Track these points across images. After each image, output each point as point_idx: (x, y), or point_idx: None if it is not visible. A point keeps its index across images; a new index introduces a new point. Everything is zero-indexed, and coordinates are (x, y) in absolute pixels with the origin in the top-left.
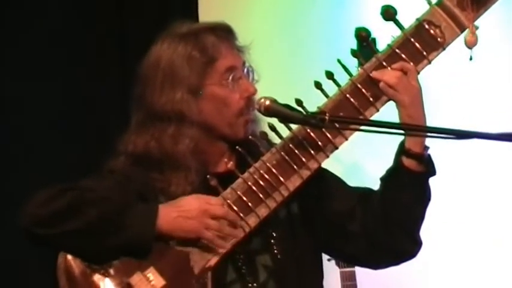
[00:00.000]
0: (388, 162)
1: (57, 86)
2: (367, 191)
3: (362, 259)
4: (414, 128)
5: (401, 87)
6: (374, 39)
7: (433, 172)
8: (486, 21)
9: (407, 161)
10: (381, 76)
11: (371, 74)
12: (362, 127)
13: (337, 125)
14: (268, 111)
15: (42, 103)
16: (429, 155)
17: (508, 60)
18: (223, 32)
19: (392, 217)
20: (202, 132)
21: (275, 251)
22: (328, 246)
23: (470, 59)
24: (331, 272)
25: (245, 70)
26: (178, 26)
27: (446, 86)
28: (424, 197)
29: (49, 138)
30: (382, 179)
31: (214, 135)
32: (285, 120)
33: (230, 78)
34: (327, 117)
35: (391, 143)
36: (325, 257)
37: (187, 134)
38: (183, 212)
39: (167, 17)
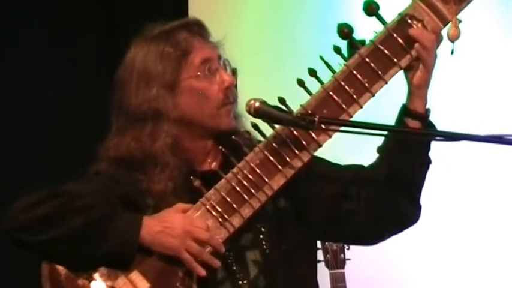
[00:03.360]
0: (368, 157)
1: (48, 89)
2: (360, 166)
3: (364, 233)
4: (404, 130)
5: (433, 52)
6: (363, 41)
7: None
8: (484, 21)
9: (412, 123)
10: (420, 37)
11: (410, 33)
12: (351, 129)
13: (326, 127)
14: (258, 113)
15: (33, 102)
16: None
17: (503, 60)
18: (195, 27)
19: (397, 182)
20: (182, 128)
21: (264, 246)
22: (328, 231)
23: (452, 53)
24: (321, 273)
25: (221, 61)
26: (149, 29)
27: (440, 87)
28: (427, 159)
29: (42, 139)
30: (383, 148)
31: (196, 131)
32: (275, 122)
33: (206, 69)
34: (316, 119)
35: (371, 139)
36: None
37: (164, 130)
38: (166, 228)
39: (158, 19)
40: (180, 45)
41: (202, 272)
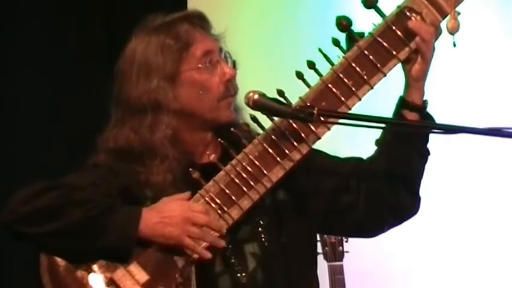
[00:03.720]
0: (367, 150)
1: (47, 85)
2: (359, 159)
3: (364, 225)
4: (402, 123)
5: (431, 45)
6: (362, 34)
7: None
8: (483, 13)
9: (410, 115)
10: (418, 30)
11: (409, 26)
12: (349, 121)
13: (325, 119)
14: (257, 105)
15: (33, 102)
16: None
17: (502, 53)
18: (197, 19)
19: (396, 174)
20: (182, 120)
21: (262, 239)
22: (327, 223)
23: (454, 45)
24: (319, 266)
25: (222, 55)
26: (150, 20)
27: (439, 80)
28: (425, 151)
29: (42, 139)
30: (381, 140)
31: (196, 123)
32: (274, 114)
33: (207, 61)
34: (315, 112)
35: (370, 132)
36: None
37: (163, 121)
38: (165, 218)
39: (157, 14)
40: (181, 37)
41: (208, 255)
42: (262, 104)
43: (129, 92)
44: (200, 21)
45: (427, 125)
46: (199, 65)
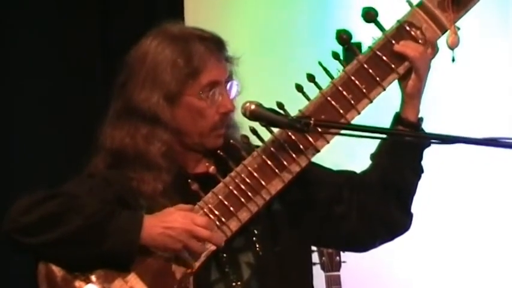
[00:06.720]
0: (364, 163)
1: (40, 86)
2: (352, 172)
3: (356, 238)
4: (399, 133)
5: (423, 61)
6: (359, 44)
7: (428, 143)
8: (481, 23)
9: (404, 131)
10: (404, 51)
11: (395, 48)
12: (346, 131)
13: (323, 130)
14: (253, 116)
15: (32, 102)
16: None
17: (499, 63)
18: (214, 44)
19: (388, 188)
20: (176, 138)
21: (257, 249)
22: (321, 235)
23: (453, 60)
24: (317, 276)
25: (229, 84)
26: (171, 25)
27: (440, 89)
28: (419, 168)
29: (42, 139)
30: (376, 154)
31: (187, 142)
32: (270, 124)
33: (211, 92)
34: (311, 122)
35: (369, 144)
36: None
37: (159, 137)
38: (167, 229)
39: (153, 17)
40: (193, 61)
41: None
42: (258, 114)
43: (132, 91)
44: (217, 45)
45: (425, 135)
46: (202, 94)
